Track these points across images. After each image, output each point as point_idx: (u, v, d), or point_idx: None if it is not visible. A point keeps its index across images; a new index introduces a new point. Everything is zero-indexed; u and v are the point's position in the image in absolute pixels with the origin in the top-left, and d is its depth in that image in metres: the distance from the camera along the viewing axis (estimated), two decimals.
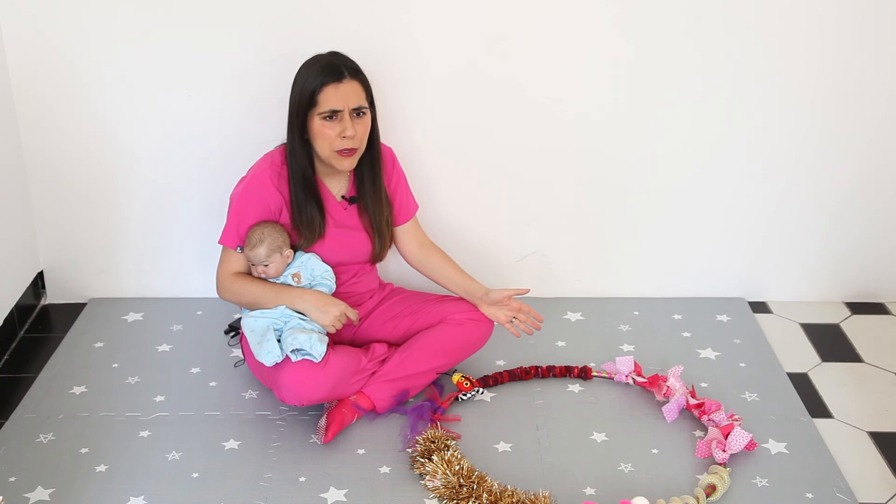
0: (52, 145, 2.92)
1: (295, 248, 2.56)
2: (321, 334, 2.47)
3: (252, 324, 2.49)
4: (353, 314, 2.53)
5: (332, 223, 2.58)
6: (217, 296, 2.62)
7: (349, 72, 2.44)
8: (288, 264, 2.53)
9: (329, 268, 2.57)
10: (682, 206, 3.05)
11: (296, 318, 2.48)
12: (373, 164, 2.58)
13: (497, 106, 2.89)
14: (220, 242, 2.55)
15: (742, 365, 2.84)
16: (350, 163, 2.49)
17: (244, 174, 2.57)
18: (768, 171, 3.00)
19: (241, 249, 2.53)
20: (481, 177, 2.99)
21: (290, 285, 2.52)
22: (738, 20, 2.80)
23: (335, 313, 2.49)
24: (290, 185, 2.52)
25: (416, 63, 2.82)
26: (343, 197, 2.61)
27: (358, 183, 2.60)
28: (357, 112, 2.45)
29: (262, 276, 2.52)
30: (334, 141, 2.44)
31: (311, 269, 2.55)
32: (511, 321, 2.69)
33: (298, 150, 2.50)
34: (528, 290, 2.70)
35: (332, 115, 2.42)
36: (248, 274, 2.56)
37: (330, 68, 2.43)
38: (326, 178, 2.59)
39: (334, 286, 2.58)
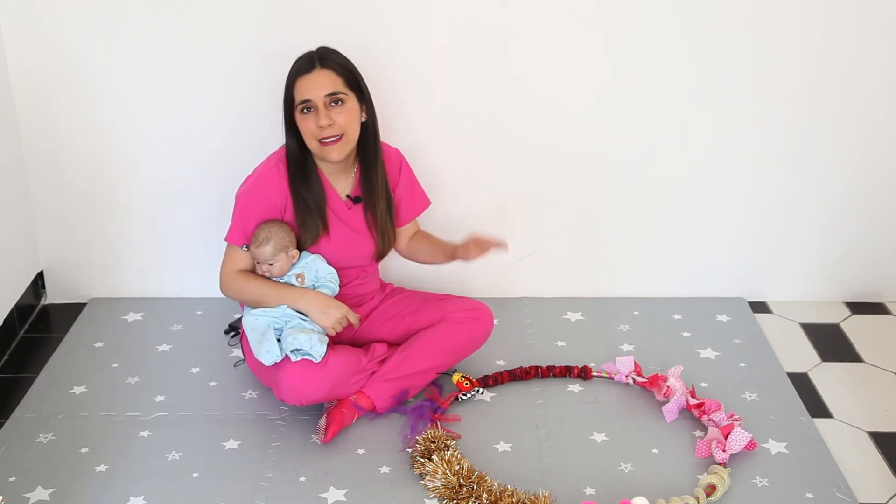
0: (52, 145, 2.92)
1: (300, 248, 2.56)
2: (321, 334, 2.48)
3: (253, 322, 2.49)
4: (354, 318, 2.53)
5: (336, 222, 2.58)
6: (218, 294, 2.62)
7: (320, 61, 2.45)
8: (293, 264, 2.54)
9: (333, 270, 2.57)
10: (682, 205, 3.05)
11: (296, 318, 2.48)
12: (371, 161, 2.58)
13: (496, 105, 2.89)
14: (225, 240, 2.55)
15: (742, 365, 2.84)
16: (338, 153, 2.48)
17: (250, 173, 2.58)
18: (768, 170, 3.00)
19: (247, 247, 2.53)
20: (481, 177, 2.99)
21: (293, 285, 2.52)
22: (736, 19, 2.80)
23: (336, 316, 2.49)
24: (290, 184, 2.52)
25: (416, 62, 2.82)
26: (348, 196, 2.61)
27: (363, 182, 2.60)
28: (334, 101, 2.45)
29: (267, 274, 2.52)
30: (315, 132, 2.45)
31: (316, 270, 2.55)
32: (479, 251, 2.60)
33: (295, 148, 2.52)
34: (506, 244, 2.60)
35: (307, 108, 2.44)
36: (252, 272, 2.56)
37: (302, 60, 2.46)
38: (332, 176, 2.59)
39: (338, 289, 2.58)
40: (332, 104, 2.44)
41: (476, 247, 2.58)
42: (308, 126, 2.45)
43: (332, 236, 2.57)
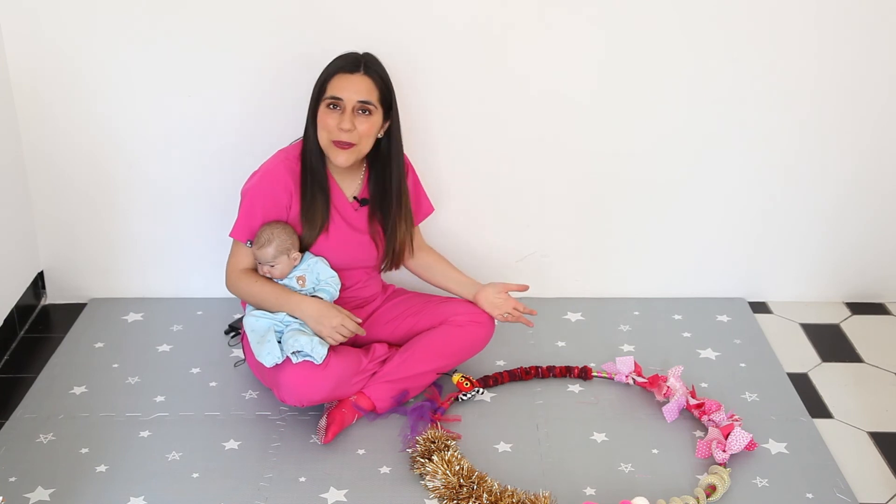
0: (52, 145, 2.92)
1: (303, 249, 2.55)
2: None
3: (253, 323, 2.49)
4: (353, 325, 2.50)
5: (340, 222, 2.58)
6: (219, 294, 2.64)
7: (365, 68, 2.45)
8: (294, 266, 2.53)
9: (335, 274, 2.57)
10: (682, 206, 3.05)
11: (297, 321, 2.48)
12: (387, 170, 2.57)
13: (495, 105, 2.89)
14: (230, 235, 2.55)
15: (742, 365, 2.84)
16: (345, 158, 2.47)
17: (256, 169, 2.57)
18: (768, 170, 3.00)
19: (251, 244, 2.52)
20: (481, 177, 2.99)
21: (293, 291, 2.51)
22: (737, 18, 2.80)
23: (333, 323, 2.46)
24: (301, 174, 2.51)
25: (417, 62, 2.82)
26: (355, 198, 2.61)
27: (372, 185, 2.60)
28: (363, 109, 2.45)
29: (268, 275, 2.52)
30: (332, 131, 2.44)
31: (317, 273, 2.54)
32: (504, 316, 2.70)
33: (311, 139, 2.51)
34: (527, 287, 2.70)
35: (335, 104, 2.43)
36: (256, 271, 2.56)
37: (348, 59, 2.46)
38: (339, 176, 2.58)
39: (337, 293, 2.57)
40: (360, 112, 2.45)
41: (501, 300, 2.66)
42: (328, 121, 2.44)
43: (334, 236, 2.57)
